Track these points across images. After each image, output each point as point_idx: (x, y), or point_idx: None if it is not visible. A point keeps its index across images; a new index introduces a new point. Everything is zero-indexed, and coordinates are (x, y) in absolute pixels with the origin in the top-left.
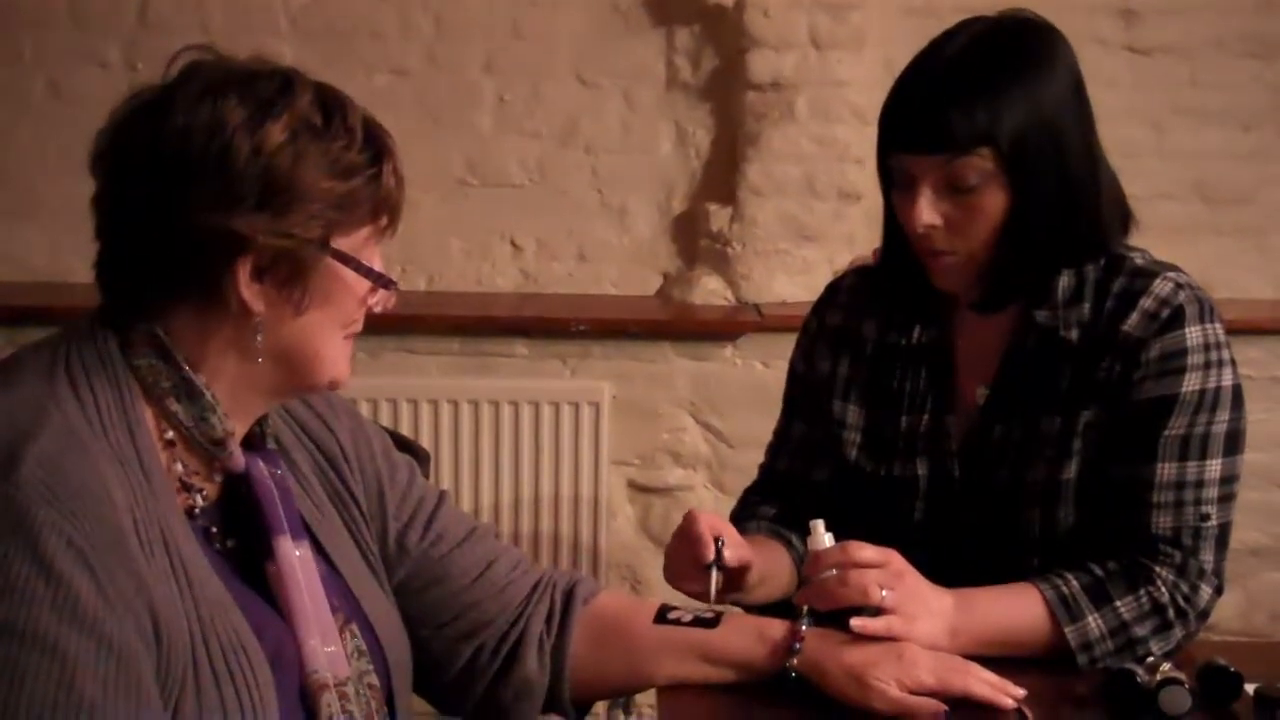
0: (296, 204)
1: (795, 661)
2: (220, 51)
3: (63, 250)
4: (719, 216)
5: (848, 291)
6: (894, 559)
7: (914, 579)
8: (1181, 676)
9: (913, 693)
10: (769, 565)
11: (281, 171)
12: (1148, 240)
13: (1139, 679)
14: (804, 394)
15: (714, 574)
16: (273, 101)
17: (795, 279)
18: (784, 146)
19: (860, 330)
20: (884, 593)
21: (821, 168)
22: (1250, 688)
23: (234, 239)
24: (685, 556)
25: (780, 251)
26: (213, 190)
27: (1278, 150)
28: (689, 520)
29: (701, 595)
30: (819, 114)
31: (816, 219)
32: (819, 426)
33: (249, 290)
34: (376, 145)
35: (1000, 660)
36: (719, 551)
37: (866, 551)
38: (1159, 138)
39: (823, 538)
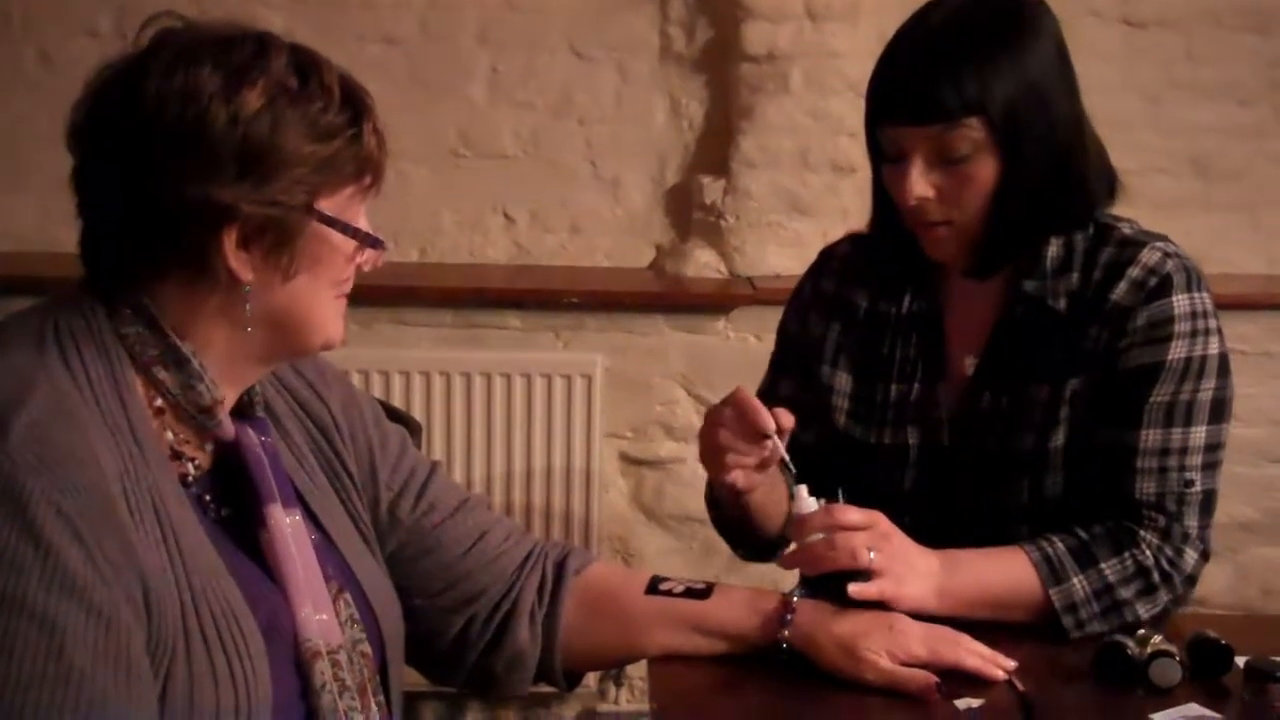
0: (278, 170)
1: (787, 633)
2: (190, 17)
3: (53, 219)
4: (712, 189)
5: (841, 258)
6: (880, 520)
7: (901, 540)
8: (1172, 649)
9: (904, 664)
10: (770, 494)
11: (261, 138)
12: (1141, 214)
13: (1129, 651)
14: (794, 355)
15: (776, 440)
16: (248, 67)
17: (788, 252)
18: (778, 119)
19: (852, 297)
20: (871, 554)
21: (816, 140)
22: (1241, 661)
23: (218, 210)
24: (737, 430)
25: (773, 224)
26: (192, 162)
27: (1273, 125)
28: (740, 393)
29: (758, 467)
30: (813, 86)
31: (810, 192)
32: (807, 388)
33: (236, 260)
34: (355, 104)
35: (991, 631)
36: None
37: (852, 514)
38: (1154, 111)
39: (807, 502)
